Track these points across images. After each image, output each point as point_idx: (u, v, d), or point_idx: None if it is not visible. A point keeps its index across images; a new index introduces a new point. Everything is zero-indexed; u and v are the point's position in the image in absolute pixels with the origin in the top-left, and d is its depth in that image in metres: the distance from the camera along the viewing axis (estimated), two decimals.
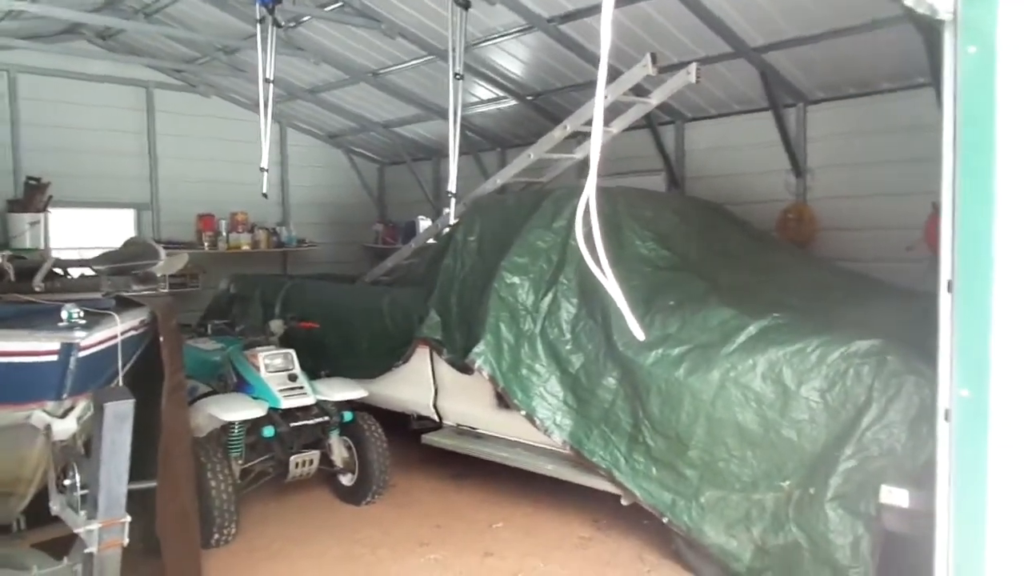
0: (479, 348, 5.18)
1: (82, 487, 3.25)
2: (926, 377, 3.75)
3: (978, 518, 2.63)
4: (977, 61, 2.49)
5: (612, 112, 6.48)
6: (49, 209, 8.92)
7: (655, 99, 6.25)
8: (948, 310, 2.68)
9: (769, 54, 6.51)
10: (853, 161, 6.85)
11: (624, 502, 4.69)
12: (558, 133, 6.43)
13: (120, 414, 2.90)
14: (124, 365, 3.73)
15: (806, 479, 4.00)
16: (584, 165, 7.98)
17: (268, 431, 5.28)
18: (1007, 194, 2.50)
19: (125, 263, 3.92)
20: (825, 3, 5.65)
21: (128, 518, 3.11)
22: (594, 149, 1.78)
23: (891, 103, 6.54)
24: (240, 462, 5.33)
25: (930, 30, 5.06)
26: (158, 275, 3.96)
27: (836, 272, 5.83)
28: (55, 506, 3.50)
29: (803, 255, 6.41)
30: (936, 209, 2.78)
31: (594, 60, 7.16)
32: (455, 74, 6.23)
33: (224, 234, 10.61)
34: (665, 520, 4.42)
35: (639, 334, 1.97)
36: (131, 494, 3.16)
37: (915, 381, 3.82)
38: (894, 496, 3.73)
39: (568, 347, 5.05)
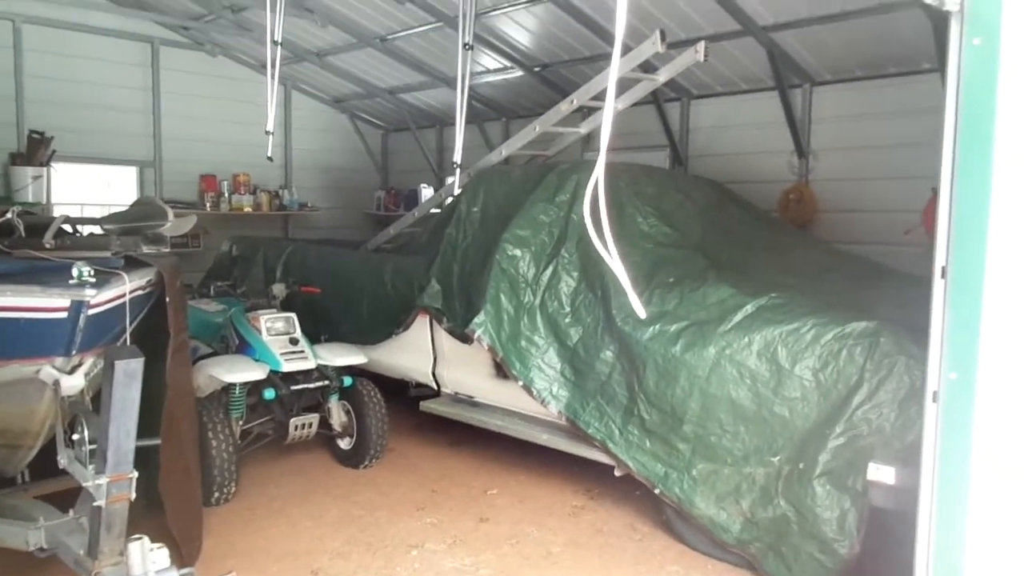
0: (479, 318, 5.24)
1: (90, 442, 3.32)
2: (917, 359, 3.83)
3: (960, 496, 2.73)
4: (981, 53, 2.54)
5: (619, 87, 6.46)
6: (52, 164, 8.92)
7: (662, 76, 6.25)
8: (941, 295, 2.75)
9: (778, 33, 6.50)
10: (856, 144, 6.88)
11: (617, 473, 4.78)
12: (565, 107, 6.43)
13: (130, 372, 2.97)
14: (131, 324, 3.79)
15: (796, 455, 4.10)
16: (589, 139, 8.00)
17: (269, 393, 5.37)
18: (1003, 186, 2.55)
19: (134, 223, 3.97)
20: None
21: (135, 473, 3.19)
22: (604, 132, 1.83)
23: (897, 87, 6.55)
24: (241, 423, 5.42)
25: (940, 17, 5.07)
26: (166, 236, 4.00)
27: (834, 254, 5.89)
28: (63, 460, 3.57)
29: (803, 236, 6.47)
30: (935, 194, 2.83)
31: (603, 34, 7.14)
32: (464, 44, 6.21)
33: (226, 195, 10.61)
34: (657, 491, 4.53)
35: (640, 312, 2.03)
36: (135, 450, 3.24)
37: (906, 362, 3.91)
38: (881, 473, 3.84)
39: (567, 320, 5.12)
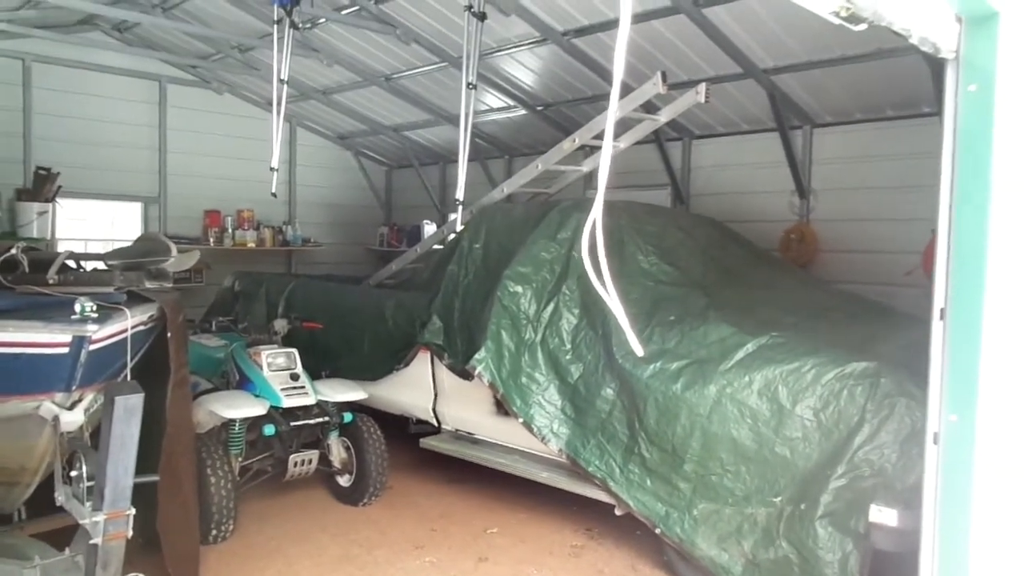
0: (480, 355, 5.24)
1: (88, 478, 3.30)
2: (918, 400, 3.82)
3: (962, 539, 2.70)
4: (977, 99, 2.57)
5: (621, 127, 6.54)
6: (57, 199, 9.00)
7: (664, 116, 6.32)
8: (940, 337, 2.75)
9: (778, 76, 6.58)
10: (857, 185, 6.93)
11: (618, 512, 4.74)
12: (567, 145, 6.50)
13: (130, 408, 2.97)
14: (132, 359, 3.80)
15: (797, 496, 4.06)
16: (591, 177, 8.07)
17: (269, 429, 5.33)
18: (1000, 228, 2.57)
19: (138, 259, 3.99)
20: (837, 29, 5.69)
21: (133, 511, 3.17)
22: (602, 173, 1.85)
23: (897, 130, 6.62)
24: (240, 459, 5.38)
25: (937, 63, 5.15)
26: (169, 271, 4.02)
27: (835, 293, 5.90)
28: (60, 496, 3.56)
29: (803, 275, 6.48)
30: (935, 235, 2.85)
31: (605, 74, 7.23)
32: (468, 84, 6.29)
33: (230, 231, 10.68)
34: (658, 531, 4.48)
35: (638, 350, 2.04)
36: (133, 487, 3.22)
37: (907, 403, 3.89)
38: (883, 515, 3.80)
39: (568, 357, 5.11)
